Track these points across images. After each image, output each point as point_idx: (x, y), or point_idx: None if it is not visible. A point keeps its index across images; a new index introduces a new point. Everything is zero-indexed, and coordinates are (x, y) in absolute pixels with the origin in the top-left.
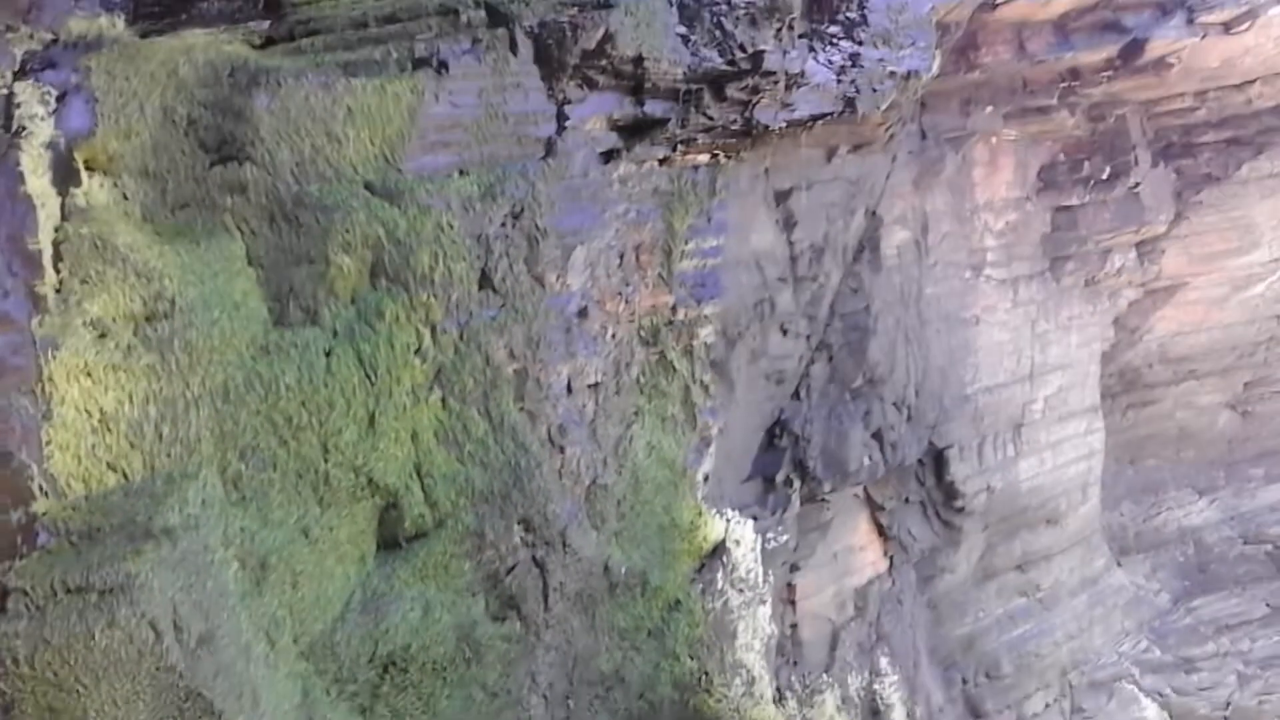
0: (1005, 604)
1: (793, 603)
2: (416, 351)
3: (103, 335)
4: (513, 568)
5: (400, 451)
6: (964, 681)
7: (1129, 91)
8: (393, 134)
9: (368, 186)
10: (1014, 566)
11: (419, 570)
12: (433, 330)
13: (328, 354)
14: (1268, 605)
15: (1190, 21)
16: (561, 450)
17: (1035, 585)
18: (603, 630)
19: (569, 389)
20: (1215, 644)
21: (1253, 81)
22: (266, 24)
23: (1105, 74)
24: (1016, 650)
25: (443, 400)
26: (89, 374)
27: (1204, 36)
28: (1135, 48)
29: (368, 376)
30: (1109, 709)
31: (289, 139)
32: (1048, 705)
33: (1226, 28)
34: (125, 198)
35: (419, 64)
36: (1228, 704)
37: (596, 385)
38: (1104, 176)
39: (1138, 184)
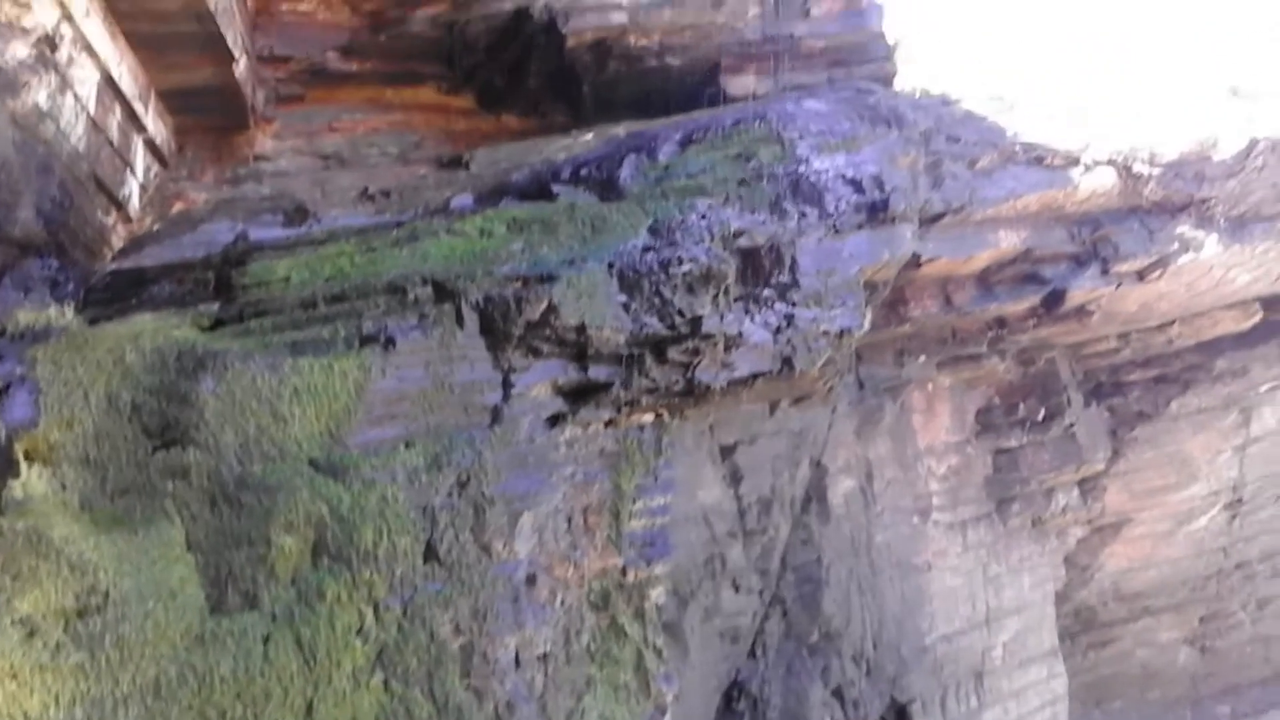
0: None
1: None
2: (358, 632)
3: (31, 634)
4: None
5: None
6: None
7: (1055, 336)
8: (339, 410)
9: (312, 464)
10: None
11: None
12: (375, 608)
13: (265, 640)
14: None
15: (1105, 272)
16: None
17: None
18: None
19: (517, 662)
20: None
21: (1171, 323)
22: (216, 306)
23: (1030, 321)
24: None
25: (385, 683)
26: (14, 676)
27: (1119, 285)
28: (1056, 297)
29: (306, 662)
30: None
31: (234, 421)
32: None
33: (1140, 276)
34: (64, 487)
35: (366, 341)
36: None
37: (545, 656)
38: (1039, 418)
39: (1072, 424)
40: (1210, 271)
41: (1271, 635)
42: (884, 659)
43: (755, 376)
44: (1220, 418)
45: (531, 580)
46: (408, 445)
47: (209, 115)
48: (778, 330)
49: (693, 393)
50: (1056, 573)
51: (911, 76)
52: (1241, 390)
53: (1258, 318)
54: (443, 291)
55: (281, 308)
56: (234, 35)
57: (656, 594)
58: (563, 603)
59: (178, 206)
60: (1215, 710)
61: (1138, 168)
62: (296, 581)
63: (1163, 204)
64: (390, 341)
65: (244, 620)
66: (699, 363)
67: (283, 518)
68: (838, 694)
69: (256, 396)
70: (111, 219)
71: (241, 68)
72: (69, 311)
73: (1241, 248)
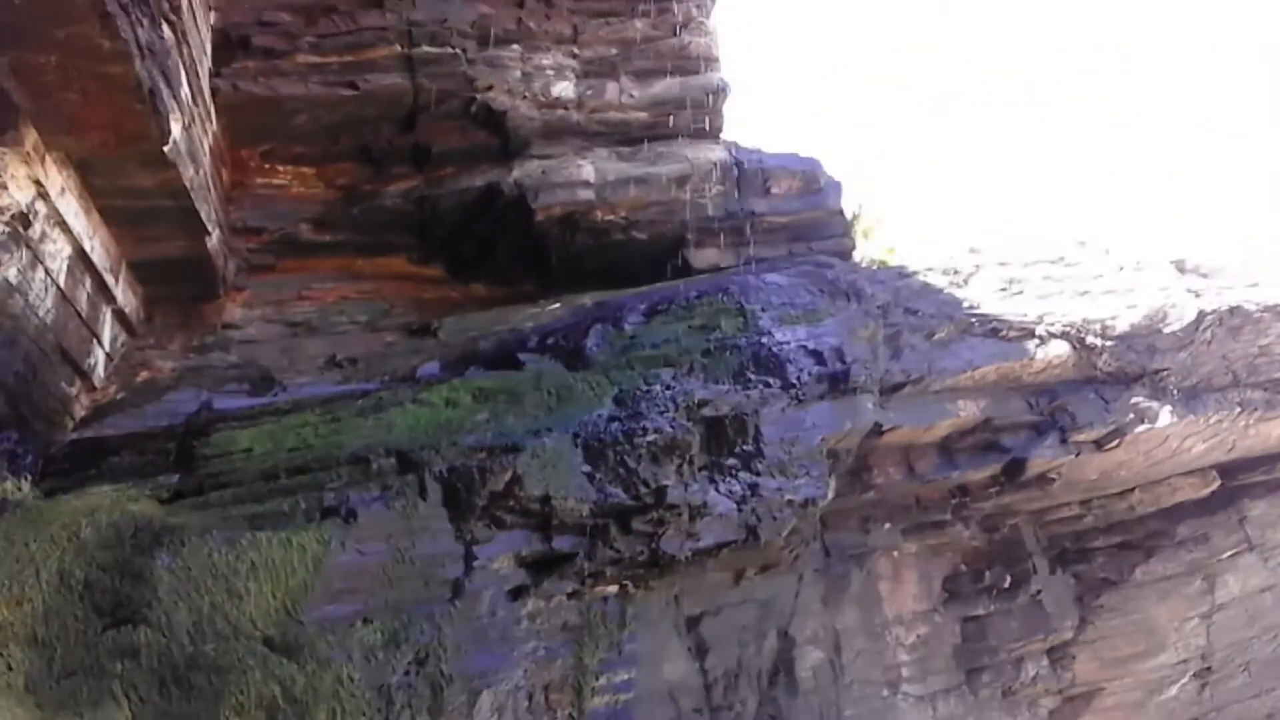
0: None
1: None
2: None
3: None
4: None
5: None
6: None
7: (1018, 503)
8: (296, 586)
9: (266, 642)
10: None
11: None
12: None
13: None
14: None
15: (1064, 441)
16: None
17: None
18: None
19: None
20: None
21: (1132, 490)
22: (176, 477)
23: (993, 489)
24: None
25: None
26: None
27: (1078, 454)
28: (1017, 466)
29: None
30: None
31: (188, 598)
32: None
33: (1098, 445)
34: (10, 668)
35: (327, 514)
36: None
37: None
38: (1005, 585)
39: (1039, 591)
40: (1166, 441)
41: None
42: None
43: (720, 546)
44: (1185, 584)
45: None
46: (366, 622)
47: (180, 285)
48: (742, 500)
49: (658, 563)
50: None
51: (869, 250)
52: (1204, 557)
53: (1216, 485)
54: (407, 462)
55: (242, 479)
56: (208, 209)
57: None
58: None
59: (143, 375)
60: None
61: (1091, 340)
62: None
63: (1117, 375)
64: (351, 514)
65: None
66: (664, 533)
67: (233, 699)
68: None
69: (212, 572)
70: (75, 389)
71: (214, 240)
72: (25, 485)
73: (1195, 418)
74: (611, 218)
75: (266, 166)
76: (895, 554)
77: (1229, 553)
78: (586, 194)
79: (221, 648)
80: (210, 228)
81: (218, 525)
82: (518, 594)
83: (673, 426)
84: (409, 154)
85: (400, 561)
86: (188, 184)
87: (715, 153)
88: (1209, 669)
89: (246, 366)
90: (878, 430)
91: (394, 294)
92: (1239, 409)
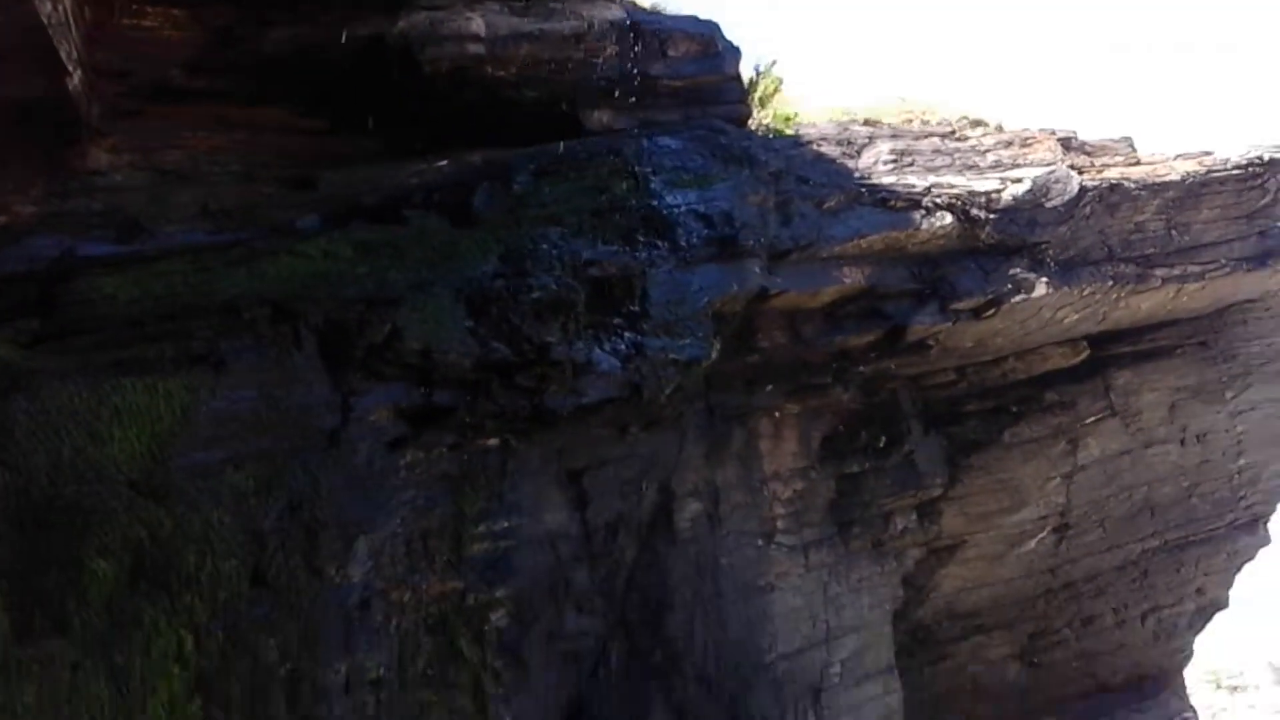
0: None
1: None
2: (177, 658)
3: None
4: None
5: None
6: None
7: (897, 368)
8: (163, 431)
9: (132, 486)
10: None
11: None
12: (196, 634)
13: (75, 668)
14: None
15: (943, 309)
16: None
17: None
18: None
19: (347, 687)
20: None
21: (1005, 358)
22: (36, 323)
23: (873, 354)
24: None
25: (204, 710)
26: None
27: (956, 321)
28: (897, 332)
29: (119, 690)
30: None
31: (46, 441)
32: None
33: (975, 314)
34: None
35: (196, 361)
36: None
37: (378, 681)
38: (880, 445)
39: (912, 451)
40: (1041, 311)
41: (1094, 651)
42: (726, 678)
43: (604, 403)
44: (1050, 446)
45: (365, 604)
46: (236, 468)
47: (39, 129)
48: (627, 359)
49: (540, 418)
50: (895, 593)
51: (765, 118)
52: (1069, 421)
53: (1085, 354)
54: (281, 312)
55: (107, 326)
56: (68, 49)
57: (497, 617)
58: (398, 627)
59: (1, 220)
60: None
61: (975, 212)
62: (110, 607)
63: (998, 247)
64: (221, 362)
65: (51, 647)
66: (547, 389)
67: (97, 540)
68: (679, 713)
69: (73, 416)
70: None
71: (76, 82)
72: None
73: (1070, 289)
74: (502, 74)
75: (134, 6)
76: (777, 414)
77: (1093, 418)
78: (476, 48)
79: (83, 490)
80: (71, 68)
81: (80, 370)
82: (396, 445)
83: (558, 284)
84: None
85: (273, 410)
86: (45, 20)
87: (612, 12)
88: (1067, 525)
89: (112, 214)
90: (764, 295)
91: (272, 145)
92: (1111, 282)
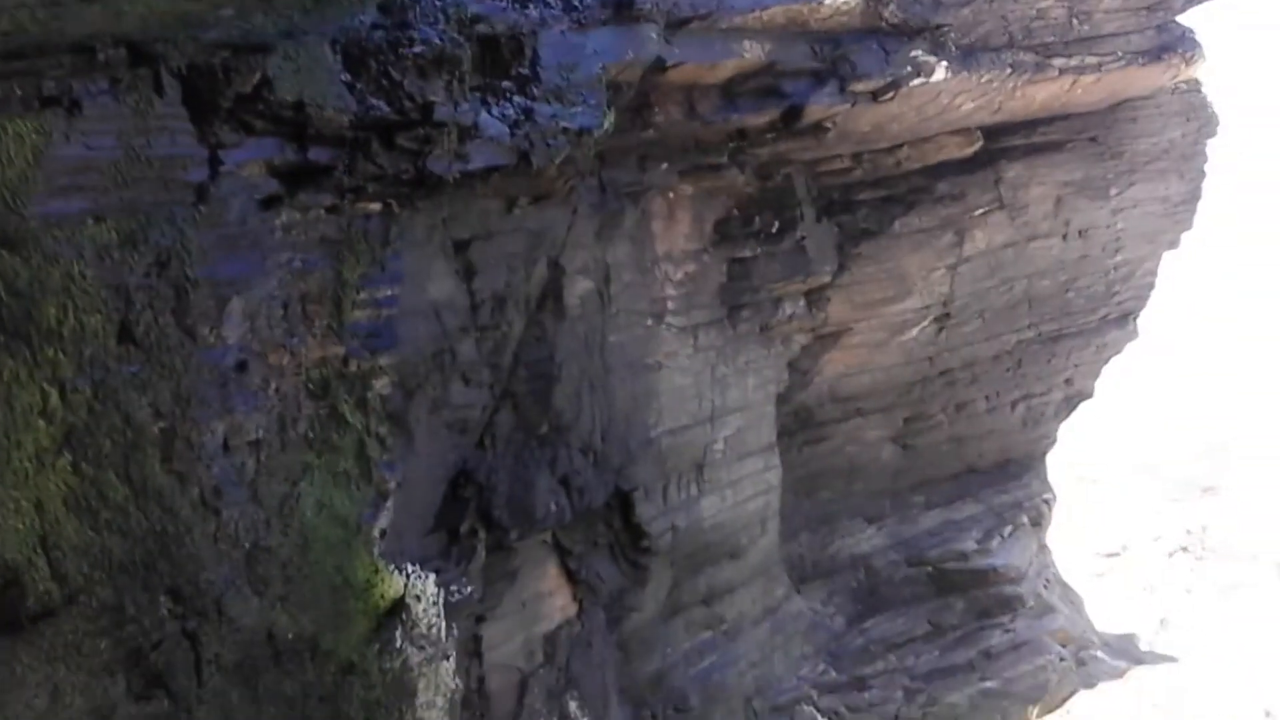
0: (692, 638)
1: (479, 655)
2: (41, 413)
3: None
4: (159, 643)
5: (21, 523)
6: (653, 717)
7: (793, 152)
8: (14, 177)
9: None
10: (699, 601)
11: (46, 652)
12: (61, 389)
13: None
14: (929, 623)
15: (842, 90)
16: (217, 513)
17: (720, 618)
18: (267, 700)
19: (225, 447)
20: (884, 662)
21: (901, 146)
22: None
23: (770, 135)
24: (703, 682)
25: (74, 465)
26: None
27: (855, 104)
28: (794, 112)
29: None
30: None
31: None
32: None
33: (874, 96)
34: None
35: (47, 103)
36: (895, 717)
37: (258, 442)
38: (773, 230)
39: (803, 238)
40: (939, 97)
41: (965, 435)
42: (611, 451)
43: (491, 170)
44: (937, 237)
45: (242, 366)
46: (97, 220)
47: None
48: (515, 124)
49: (424, 183)
50: (779, 376)
51: None
52: (959, 213)
53: (979, 145)
54: (139, 55)
55: None
56: None
57: (381, 385)
58: (277, 390)
59: None
60: (911, 500)
61: None
62: None
63: (900, 27)
64: (75, 105)
65: None
66: (430, 151)
67: None
68: (564, 482)
69: None
70: None
71: None
72: None
73: (969, 75)
74: None
75: None
76: (671, 194)
77: (981, 210)
78: None
79: None
80: None
81: None
82: (270, 204)
83: (442, 39)
84: None
85: (134, 160)
86: None
87: None
88: (948, 315)
89: None
90: (661, 65)
91: None
92: (1010, 70)
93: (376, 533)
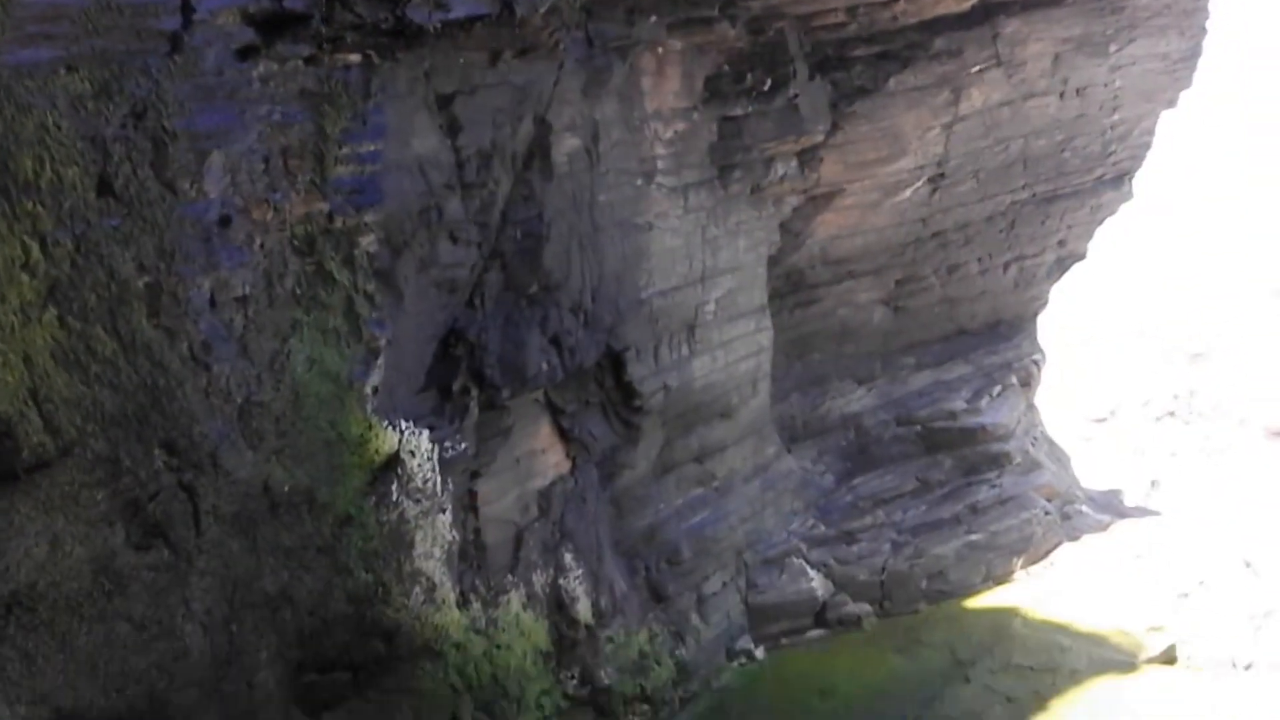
0: (684, 494)
1: (474, 509)
2: (24, 266)
3: None
4: (156, 494)
5: (11, 376)
6: (646, 570)
7: (786, 5)
8: None
9: None
10: (691, 459)
11: (43, 503)
12: (43, 242)
13: None
14: (918, 479)
15: None
16: (207, 368)
17: (711, 475)
18: (265, 551)
19: (212, 303)
20: (872, 517)
21: (897, 0)
22: None
23: None
24: (695, 537)
25: (60, 318)
26: None
27: None
28: None
29: None
30: (780, 582)
31: None
32: (724, 584)
33: None
34: None
35: None
36: (883, 569)
37: (245, 298)
38: (765, 88)
39: (796, 95)
40: None
41: (957, 297)
42: (601, 311)
43: (473, 19)
44: (933, 95)
45: (225, 221)
46: (70, 69)
47: None
48: None
49: (403, 33)
50: (771, 237)
51: None
52: (955, 70)
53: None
54: None
55: None
56: None
57: (367, 242)
58: (262, 246)
59: None
60: (901, 361)
61: None
62: None
63: None
64: None
65: None
66: (409, 0)
67: None
68: (555, 342)
69: None
70: None
71: None
72: None
73: None
74: None
75: None
76: (660, 49)
77: (977, 67)
78: None
79: None
80: None
81: None
82: (247, 54)
83: None
84: None
85: (105, 8)
86: None
87: None
88: (942, 175)
89: None
90: None
91: None
92: None
93: (369, 389)
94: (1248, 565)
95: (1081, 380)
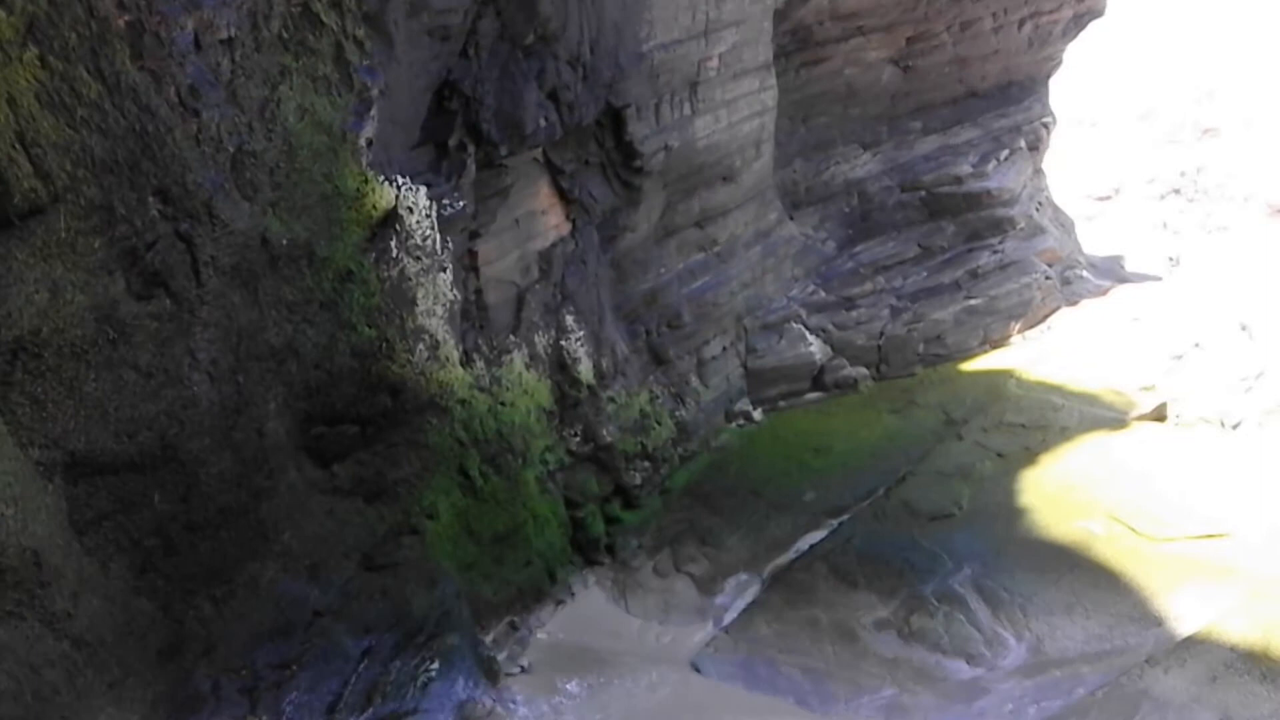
0: (685, 259)
1: (475, 269)
2: (1, 2)
3: None
4: (153, 243)
5: None
6: (647, 333)
7: None
8: None
9: None
10: (693, 223)
11: (40, 249)
12: None
13: None
14: (919, 245)
15: None
16: (196, 114)
17: (713, 240)
18: (268, 305)
19: (197, 45)
20: (873, 283)
21: None
22: None
23: None
24: (695, 301)
25: (41, 58)
26: None
27: None
28: None
29: None
30: (779, 346)
31: None
32: (724, 348)
33: None
34: None
35: None
36: (881, 334)
37: (231, 41)
38: None
39: None
40: None
41: (968, 56)
42: (600, 65)
43: None
44: None
45: None
46: None
47: None
48: None
49: None
50: None
51: None
52: None
53: None
54: None
55: None
56: None
57: None
58: None
59: None
60: (908, 125)
61: None
62: None
63: None
64: None
65: None
66: None
67: None
68: (553, 96)
69: None
70: None
71: None
72: None
73: None
74: None
75: None
76: None
77: None
78: None
79: None
80: None
81: None
82: None
83: None
84: None
85: None
86: None
87: None
88: None
89: None
90: None
91: None
92: None
93: (363, 142)
94: (1243, 328)
95: (1087, 162)
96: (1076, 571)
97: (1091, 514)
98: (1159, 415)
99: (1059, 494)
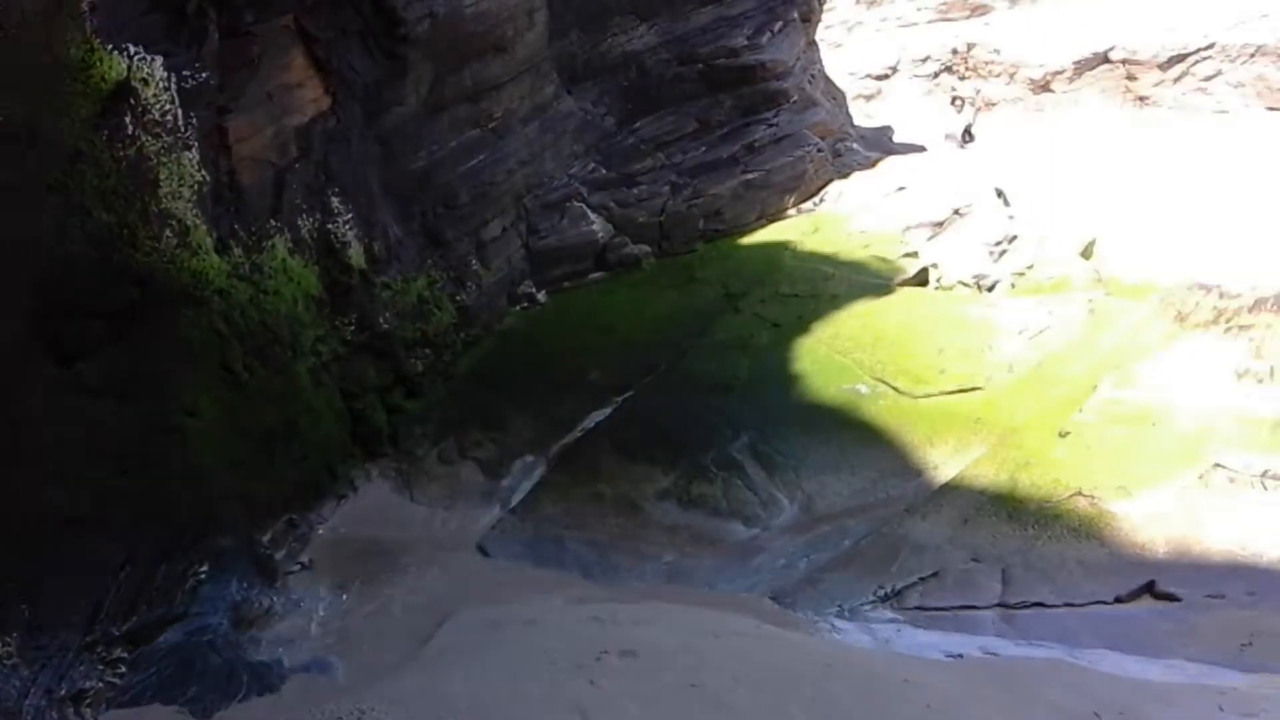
0: (459, 136)
1: (226, 147)
2: None
3: None
4: None
5: None
6: (422, 215)
7: None
8: None
9: None
10: (465, 98)
11: None
12: None
13: None
14: (697, 120)
15: None
16: None
17: (488, 115)
18: None
19: None
20: (653, 159)
21: None
22: None
23: None
24: (472, 180)
25: None
26: None
27: None
28: None
29: None
30: (561, 226)
31: None
32: (504, 229)
33: None
34: None
35: None
36: (662, 210)
37: None
38: None
39: None
40: None
41: None
42: None
43: None
44: None
45: None
46: None
47: None
48: None
49: None
50: None
51: None
52: None
53: None
54: None
55: None
56: None
57: None
58: None
59: None
60: None
61: None
62: None
63: None
64: None
65: None
66: None
67: None
68: None
69: None
70: None
71: None
72: None
73: None
74: None
75: None
76: None
77: None
78: None
79: None
80: None
81: None
82: None
83: None
84: None
85: None
86: None
87: None
88: None
89: None
90: None
91: None
92: None
93: (85, 5)
94: (999, 194)
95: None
96: (845, 432)
97: (858, 377)
98: (921, 280)
99: (829, 359)
